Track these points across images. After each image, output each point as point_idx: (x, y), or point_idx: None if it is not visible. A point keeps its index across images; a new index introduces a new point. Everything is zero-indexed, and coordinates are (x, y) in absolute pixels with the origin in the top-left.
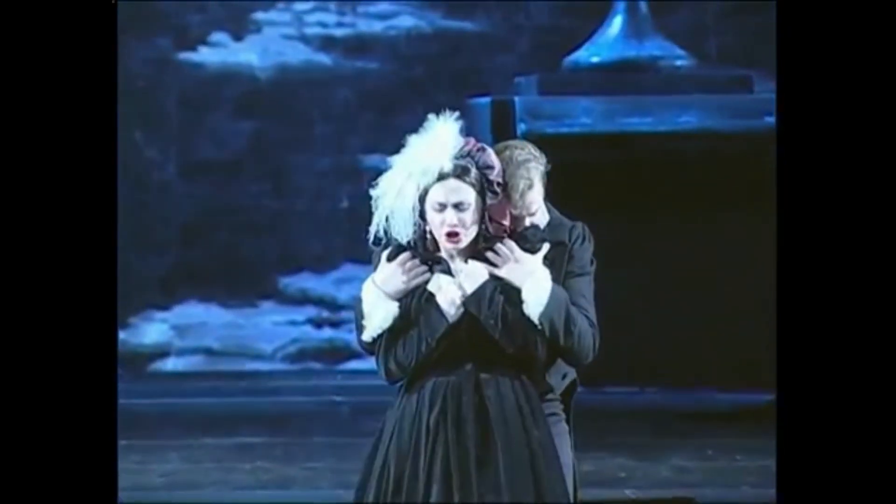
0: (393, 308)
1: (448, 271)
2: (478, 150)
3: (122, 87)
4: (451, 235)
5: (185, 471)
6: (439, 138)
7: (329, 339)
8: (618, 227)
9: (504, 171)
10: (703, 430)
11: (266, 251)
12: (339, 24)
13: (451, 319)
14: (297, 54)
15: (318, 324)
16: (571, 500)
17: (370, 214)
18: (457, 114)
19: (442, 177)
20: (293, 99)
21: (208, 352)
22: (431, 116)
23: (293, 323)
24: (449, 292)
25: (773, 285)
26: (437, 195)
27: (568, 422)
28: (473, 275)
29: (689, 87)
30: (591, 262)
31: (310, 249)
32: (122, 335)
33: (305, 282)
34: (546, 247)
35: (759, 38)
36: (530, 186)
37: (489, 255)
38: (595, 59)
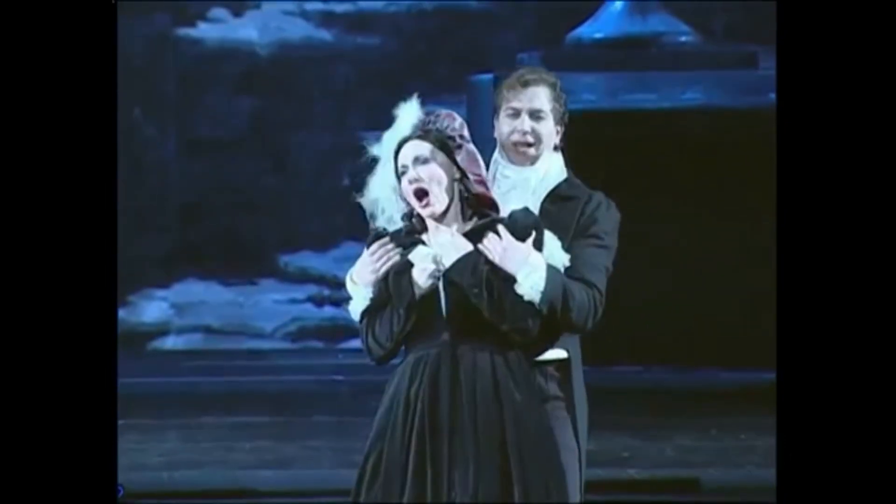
0: (367, 295)
1: (421, 243)
2: (436, 116)
3: (121, 64)
4: (420, 196)
5: (184, 450)
6: (401, 118)
7: (330, 318)
8: (621, 205)
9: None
10: (708, 409)
11: (266, 229)
12: (340, 0)
13: (418, 291)
14: (298, 30)
15: (318, 302)
16: (560, 474)
17: (364, 191)
18: (417, 94)
19: (402, 144)
20: (293, 76)
21: (208, 330)
22: (401, 104)
23: (294, 301)
24: (422, 263)
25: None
26: (401, 160)
27: (571, 404)
28: (452, 244)
29: (693, 64)
30: (613, 236)
31: (310, 227)
32: (121, 313)
33: (306, 260)
34: (534, 234)
35: (764, 15)
36: (534, 113)
37: (484, 241)
38: (598, 35)
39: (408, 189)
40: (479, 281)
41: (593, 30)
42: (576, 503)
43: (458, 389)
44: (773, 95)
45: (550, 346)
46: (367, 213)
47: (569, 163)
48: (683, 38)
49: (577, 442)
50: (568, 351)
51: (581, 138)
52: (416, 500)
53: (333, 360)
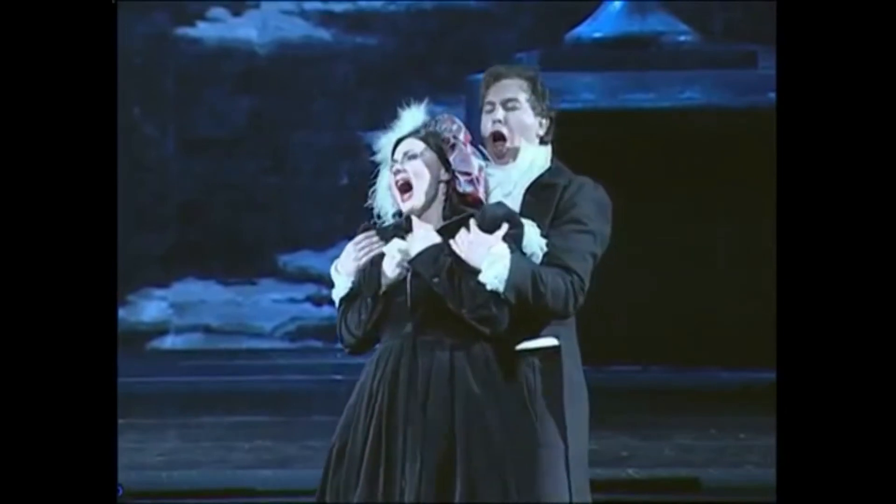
0: (347, 284)
1: (403, 239)
2: (437, 120)
3: (121, 63)
4: (403, 189)
5: (183, 449)
6: (404, 121)
7: (329, 317)
8: (620, 204)
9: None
10: (707, 408)
11: (265, 228)
12: (339, 0)
13: (385, 281)
14: (297, 30)
15: (317, 302)
16: (527, 472)
17: (369, 194)
18: (426, 100)
19: (399, 142)
20: (292, 75)
21: (207, 329)
22: (409, 108)
23: (293, 301)
24: (392, 253)
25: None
26: (395, 156)
27: (559, 397)
28: (422, 238)
29: (692, 63)
30: (597, 220)
31: (309, 227)
32: (120, 313)
33: (305, 259)
34: (505, 227)
35: (764, 14)
36: (509, 102)
37: (456, 237)
38: (597, 35)
39: (392, 181)
40: (439, 270)
41: (592, 29)
42: (558, 502)
43: (415, 381)
44: (772, 95)
45: (532, 334)
46: (375, 215)
47: (566, 162)
48: (682, 38)
49: (564, 439)
50: (559, 341)
51: (579, 138)
52: (370, 491)
53: (332, 360)
